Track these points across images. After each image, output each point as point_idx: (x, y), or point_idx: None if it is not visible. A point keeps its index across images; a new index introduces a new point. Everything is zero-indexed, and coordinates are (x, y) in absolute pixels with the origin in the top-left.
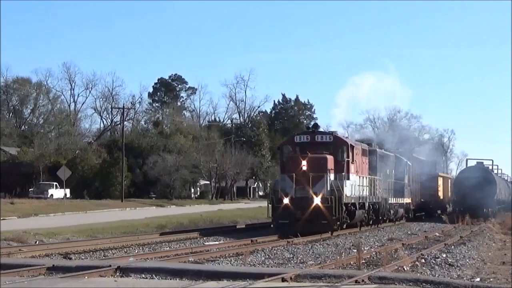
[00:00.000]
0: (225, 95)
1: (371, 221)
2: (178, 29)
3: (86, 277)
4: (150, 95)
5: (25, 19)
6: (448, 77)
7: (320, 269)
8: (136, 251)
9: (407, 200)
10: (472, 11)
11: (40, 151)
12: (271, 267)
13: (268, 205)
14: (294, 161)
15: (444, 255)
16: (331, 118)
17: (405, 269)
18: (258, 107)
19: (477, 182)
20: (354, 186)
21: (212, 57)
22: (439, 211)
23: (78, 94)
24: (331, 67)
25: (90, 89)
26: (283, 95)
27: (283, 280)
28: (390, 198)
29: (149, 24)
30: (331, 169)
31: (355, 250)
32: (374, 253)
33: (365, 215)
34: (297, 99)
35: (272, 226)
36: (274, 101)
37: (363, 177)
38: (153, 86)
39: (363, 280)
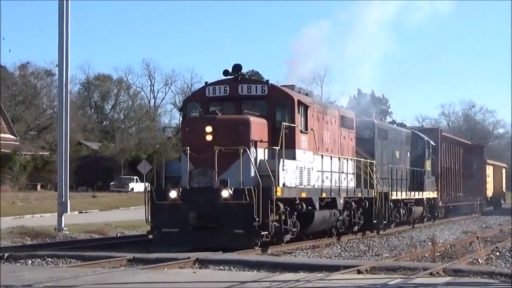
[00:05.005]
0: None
1: (356, 227)
2: (255, 26)
3: (165, 269)
4: None
5: (105, 18)
6: None
7: (395, 262)
8: None
9: (430, 194)
10: None
11: (121, 146)
12: (347, 259)
13: (145, 202)
14: (193, 127)
15: None
16: (406, 112)
17: (480, 262)
18: (334, 102)
19: None
20: (309, 171)
21: (289, 53)
22: (489, 208)
23: (158, 90)
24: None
25: (169, 85)
26: (359, 90)
27: (359, 272)
28: (396, 192)
29: (227, 21)
30: (259, 140)
31: (430, 243)
32: (448, 246)
33: (340, 217)
34: (372, 94)
35: (152, 237)
36: (349, 96)
37: (335, 158)
38: None
39: (437, 273)
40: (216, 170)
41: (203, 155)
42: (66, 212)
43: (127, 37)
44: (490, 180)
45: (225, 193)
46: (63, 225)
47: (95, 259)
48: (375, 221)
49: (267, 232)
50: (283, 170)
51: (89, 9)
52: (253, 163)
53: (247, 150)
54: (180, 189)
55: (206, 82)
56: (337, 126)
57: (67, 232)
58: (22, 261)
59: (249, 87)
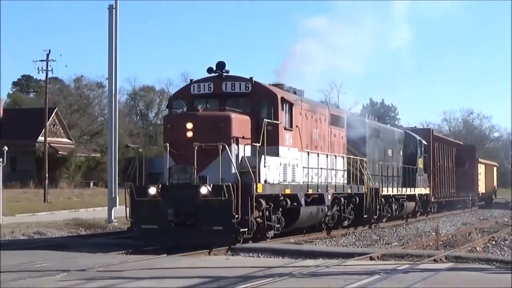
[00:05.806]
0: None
1: (346, 221)
2: (275, 38)
3: (202, 256)
4: None
5: (148, 36)
6: None
7: (403, 249)
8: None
9: (423, 190)
10: None
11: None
12: (361, 247)
13: (125, 198)
14: (174, 124)
15: None
16: (414, 118)
17: (478, 249)
18: (349, 109)
19: None
20: (294, 167)
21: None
22: (481, 203)
23: None
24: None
25: None
26: (370, 99)
27: (371, 258)
28: (387, 188)
29: (254, 34)
30: (240, 137)
31: (434, 233)
32: (450, 236)
33: (328, 213)
34: (382, 102)
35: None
36: (363, 104)
37: (322, 155)
38: None
39: (440, 259)
40: (195, 166)
41: (184, 151)
42: (115, 206)
43: (168, 52)
44: (482, 177)
45: (204, 190)
46: (112, 218)
47: (140, 247)
48: (365, 216)
49: (247, 229)
50: (265, 166)
51: (134, 29)
52: (233, 160)
53: (227, 146)
54: (160, 185)
55: (191, 80)
56: (327, 124)
57: (116, 224)
58: (77, 248)
59: (233, 85)
